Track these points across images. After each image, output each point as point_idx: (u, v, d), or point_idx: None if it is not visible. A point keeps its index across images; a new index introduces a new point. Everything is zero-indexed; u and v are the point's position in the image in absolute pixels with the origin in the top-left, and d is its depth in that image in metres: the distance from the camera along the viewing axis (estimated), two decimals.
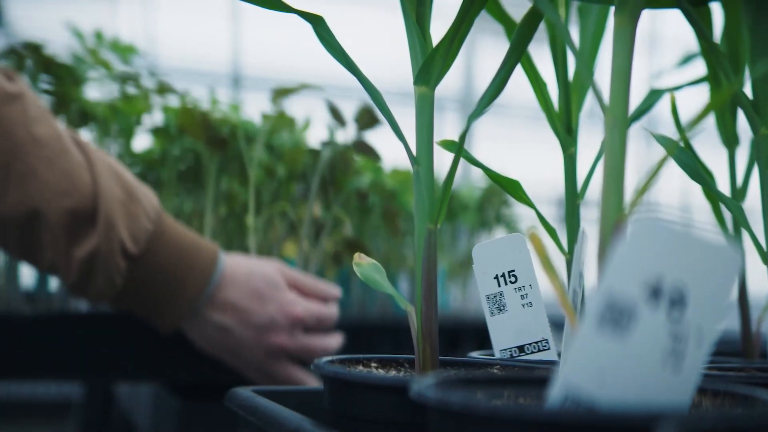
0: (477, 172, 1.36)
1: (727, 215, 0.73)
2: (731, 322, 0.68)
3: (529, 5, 0.54)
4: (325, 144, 1.16)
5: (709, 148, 0.78)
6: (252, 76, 3.89)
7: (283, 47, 3.76)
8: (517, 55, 0.54)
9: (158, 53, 3.70)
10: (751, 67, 0.61)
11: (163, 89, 1.22)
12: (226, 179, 1.23)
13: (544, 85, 0.61)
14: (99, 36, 1.22)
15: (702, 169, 0.67)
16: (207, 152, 1.18)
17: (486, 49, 4.22)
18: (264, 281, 0.96)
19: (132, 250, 0.90)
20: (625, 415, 0.36)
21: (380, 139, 1.12)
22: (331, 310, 1.01)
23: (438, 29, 0.56)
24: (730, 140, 0.73)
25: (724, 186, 0.71)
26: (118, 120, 1.19)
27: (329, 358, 0.55)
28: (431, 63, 0.54)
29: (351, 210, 1.40)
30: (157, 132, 1.22)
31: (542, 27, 0.57)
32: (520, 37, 0.55)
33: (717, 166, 0.72)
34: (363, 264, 0.56)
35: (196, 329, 0.97)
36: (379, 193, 1.43)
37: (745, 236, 0.65)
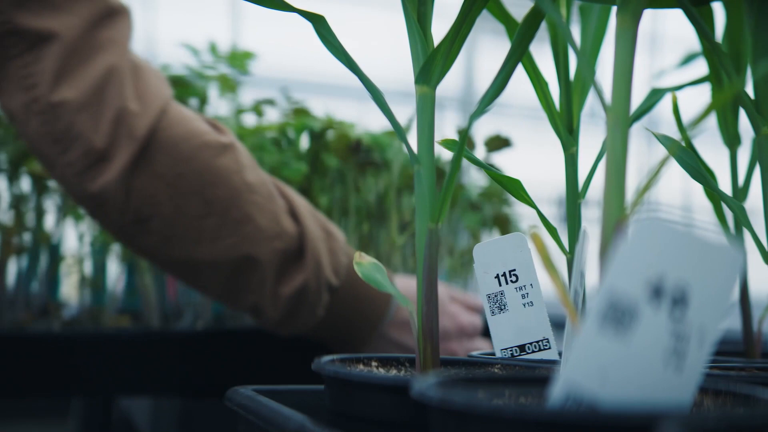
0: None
1: (729, 215, 0.73)
2: (733, 322, 0.68)
3: (530, 5, 0.54)
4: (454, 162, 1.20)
5: (711, 148, 0.78)
6: (250, 76, 3.88)
7: (284, 47, 3.75)
8: (519, 54, 0.54)
9: (157, 53, 3.70)
10: (753, 66, 0.61)
11: (300, 111, 1.23)
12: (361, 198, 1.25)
13: (546, 84, 0.61)
14: (213, 49, 1.21)
15: (704, 169, 0.67)
16: (351, 172, 1.21)
17: (487, 48, 4.22)
18: None
19: (334, 284, 0.94)
20: (626, 415, 0.36)
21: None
22: (479, 318, 1.08)
23: (439, 29, 0.56)
24: (731, 140, 0.73)
25: (725, 186, 0.71)
26: (246, 141, 1.17)
27: (330, 357, 0.55)
28: (432, 62, 0.54)
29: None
30: (300, 153, 1.21)
31: (543, 26, 0.57)
32: (521, 36, 0.55)
33: (719, 166, 0.72)
34: (363, 263, 0.56)
35: (380, 346, 1.01)
36: (490, 199, 1.45)
37: (747, 236, 0.65)
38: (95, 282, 1.25)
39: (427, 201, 0.53)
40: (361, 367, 0.56)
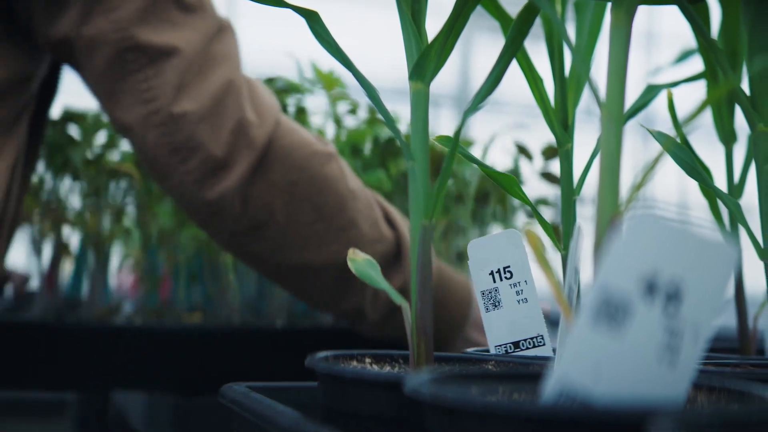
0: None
1: (725, 212, 0.73)
2: (728, 319, 0.68)
3: (524, 1, 0.54)
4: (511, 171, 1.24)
5: (707, 145, 0.78)
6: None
7: (279, 45, 3.75)
8: (513, 50, 0.54)
9: None
10: (748, 63, 0.61)
11: (374, 120, 1.25)
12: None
13: (541, 80, 0.61)
14: (315, 68, 1.22)
15: (699, 166, 0.67)
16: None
17: (482, 45, 4.22)
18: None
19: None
20: (620, 411, 0.36)
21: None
22: None
23: (434, 25, 0.56)
24: (727, 137, 0.73)
25: (721, 183, 0.70)
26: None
27: (324, 354, 0.55)
28: (426, 59, 0.53)
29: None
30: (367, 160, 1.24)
31: (538, 23, 0.57)
32: (515, 32, 0.54)
33: (714, 162, 0.72)
34: (357, 259, 0.56)
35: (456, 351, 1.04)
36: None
37: (742, 233, 0.65)
38: (151, 280, 1.28)
39: (421, 198, 0.53)
40: (354, 363, 0.56)
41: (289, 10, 0.56)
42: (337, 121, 1.24)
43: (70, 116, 1.19)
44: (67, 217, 1.24)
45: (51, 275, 1.24)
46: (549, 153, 1.23)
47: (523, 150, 1.23)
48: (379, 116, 1.22)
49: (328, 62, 1.10)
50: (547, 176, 1.23)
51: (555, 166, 1.26)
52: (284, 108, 1.19)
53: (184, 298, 1.29)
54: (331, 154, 0.93)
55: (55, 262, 1.24)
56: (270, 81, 1.20)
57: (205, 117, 0.86)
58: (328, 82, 1.20)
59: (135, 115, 0.86)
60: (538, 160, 1.25)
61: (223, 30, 0.90)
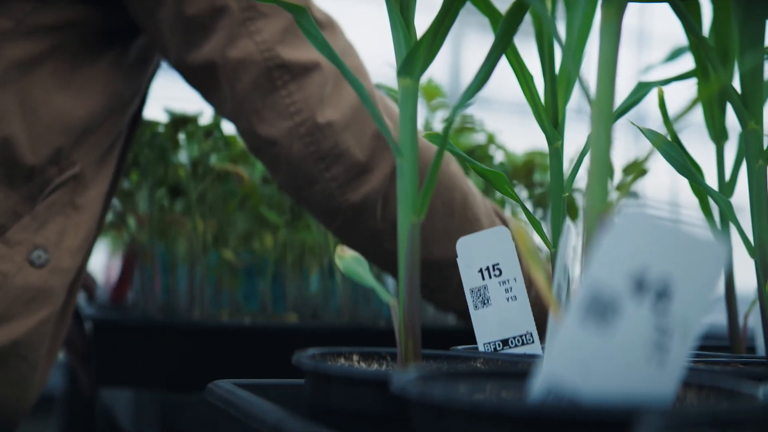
0: None
1: (715, 209, 0.73)
2: (719, 316, 0.68)
3: None
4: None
5: (698, 143, 0.78)
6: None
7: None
8: (502, 47, 0.54)
9: None
10: (739, 61, 0.61)
11: (465, 128, 1.27)
12: None
13: (531, 78, 0.60)
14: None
15: (690, 164, 0.66)
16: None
17: (474, 42, 4.21)
18: None
19: None
20: (608, 409, 0.35)
21: None
22: None
23: (422, 20, 0.55)
24: (718, 135, 0.73)
25: (712, 180, 0.70)
26: None
27: (311, 351, 0.55)
28: (415, 55, 0.53)
29: None
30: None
31: (528, 19, 0.57)
32: (505, 29, 0.54)
33: (706, 160, 0.72)
34: (345, 257, 0.56)
35: None
36: None
37: (733, 231, 0.65)
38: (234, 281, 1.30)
39: (410, 195, 0.53)
40: (342, 361, 0.55)
41: None
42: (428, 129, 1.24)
43: (179, 120, 1.19)
44: (177, 222, 1.24)
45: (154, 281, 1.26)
46: (631, 170, 1.26)
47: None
48: (468, 125, 1.24)
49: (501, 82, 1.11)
50: (624, 188, 1.27)
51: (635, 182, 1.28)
52: None
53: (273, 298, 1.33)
54: (451, 156, 0.96)
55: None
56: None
57: (349, 125, 0.92)
58: (429, 92, 1.21)
59: (280, 129, 0.92)
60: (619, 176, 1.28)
61: (351, 45, 0.98)
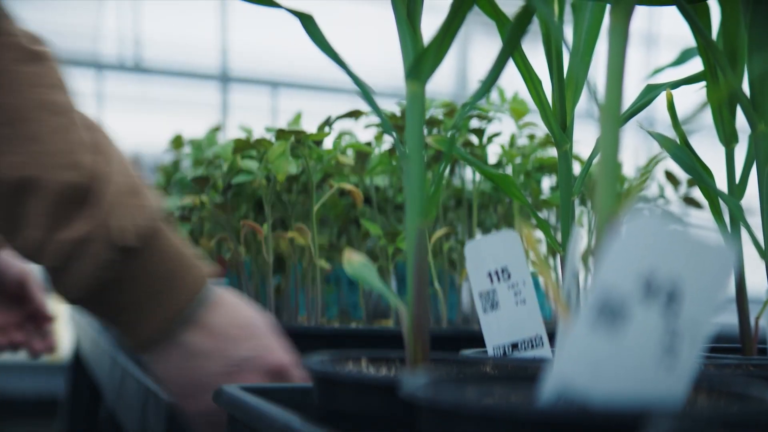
0: None
1: (726, 212, 0.72)
2: (730, 318, 0.68)
3: (521, 1, 0.54)
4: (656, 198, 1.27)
5: (708, 146, 0.77)
6: (240, 76, 3.88)
7: (273, 46, 3.75)
8: (509, 51, 0.54)
9: (145, 53, 3.70)
10: (748, 63, 0.60)
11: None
12: None
13: (539, 82, 0.60)
14: (501, 93, 1.18)
15: (700, 166, 0.66)
16: None
17: (481, 45, 4.21)
18: (250, 319, 0.84)
19: (128, 243, 0.78)
20: (617, 413, 0.35)
21: None
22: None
23: (429, 24, 0.55)
24: (728, 137, 0.72)
25: (722, 183, 0.70)
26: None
27: (320, 355, 0.55)
28: (422, 59, 0.53)
29: None
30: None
31: (536, 20, 0.57)
32: (512, 33, 0.54)
33: (715, 163, 0.72)
34: (353, 262, 0.56)
35: (167, 355, 0.82)
36: None
37: (744, 233, 0.65)
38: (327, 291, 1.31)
39: (417, 198, 0.53)
40: (350, 365, 0.55)
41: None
42: (512, 145, 1.22)
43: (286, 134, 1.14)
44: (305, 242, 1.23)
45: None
46: (693, 181, 1.26)
47: (670, 176, 1.26)
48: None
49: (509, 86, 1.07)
50: (690, 201, 1.28)
51: (698, 192, 1.27)
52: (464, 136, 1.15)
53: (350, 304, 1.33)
54: (37, 54, 0.80)
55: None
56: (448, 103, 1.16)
57: None
58: (517, 112, 1.19)
59: None
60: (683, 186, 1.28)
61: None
